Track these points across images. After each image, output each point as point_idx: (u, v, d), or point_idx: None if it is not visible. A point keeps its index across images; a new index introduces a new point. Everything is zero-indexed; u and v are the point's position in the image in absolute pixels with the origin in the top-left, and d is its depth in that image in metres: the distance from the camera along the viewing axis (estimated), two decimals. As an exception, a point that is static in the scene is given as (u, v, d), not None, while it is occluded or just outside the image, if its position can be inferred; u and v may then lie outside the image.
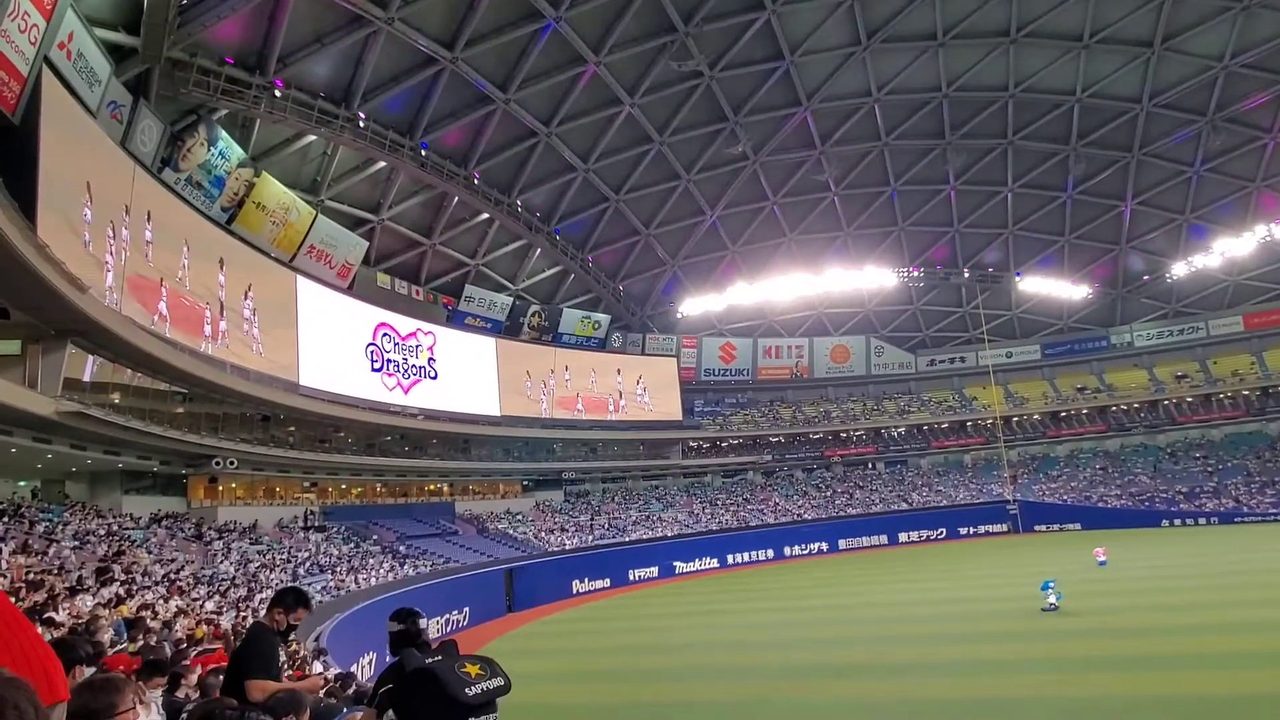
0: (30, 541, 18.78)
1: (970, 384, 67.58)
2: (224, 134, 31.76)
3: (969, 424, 65.89)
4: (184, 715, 4.97)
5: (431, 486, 47.79)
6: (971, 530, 57.26)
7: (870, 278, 62.32)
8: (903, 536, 56.69)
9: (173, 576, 21.13)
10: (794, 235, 60.24)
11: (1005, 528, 56.87)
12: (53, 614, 10.78)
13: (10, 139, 20.27)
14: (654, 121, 46.71)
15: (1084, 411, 64.70)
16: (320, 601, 26.07)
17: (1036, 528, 56.00)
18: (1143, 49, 47.76)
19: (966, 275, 64.47)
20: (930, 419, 66.43)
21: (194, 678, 6.74)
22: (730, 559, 51.46)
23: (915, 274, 63.94)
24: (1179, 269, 60.81)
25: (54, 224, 20.47)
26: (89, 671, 4.66)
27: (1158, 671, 15.87)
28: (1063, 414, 65.17)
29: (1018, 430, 64.79)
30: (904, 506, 59.84)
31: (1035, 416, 65.55)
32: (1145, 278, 63.92)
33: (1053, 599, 23.89)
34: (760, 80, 46.58)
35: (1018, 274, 63.93)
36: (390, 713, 3.78)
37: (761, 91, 47.14)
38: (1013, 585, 28.28)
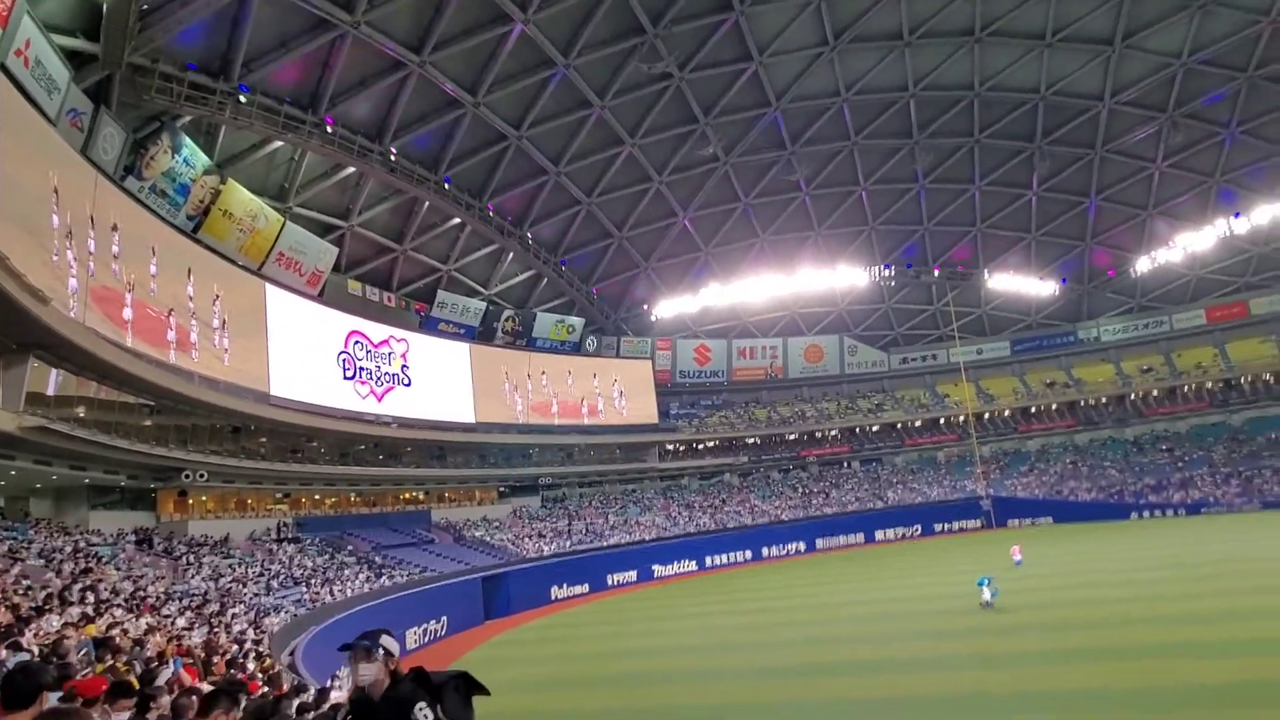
0: (-7, 561, 18.29)
1: (942, 381, 68.25)
2: (188, 141, 31.22)
3: (942, 421, 66.56)
4: None
5: (407, 495, 47.33)
6: (946, 527, 57.84)
7: (842, 277, 62.63)
8: (879, 534, 57.10)
9: (142, 593, 20.68)
10: (766, 236, 60.51)
11: (979, 523, 57.50)
12: (19, 637, 10.46)
13: (-35, 148, 19.78)
14: (625, 124, 46.67)
15: (1053, 406, 65.58)
16: (294, 615, 25.72)
17: (1010, 522, 56.63)
18: (1104, 47, 48.57)
19: (936, 273, 65.12)
20: (904, 417, 66.98)
21: (165, 699, 6.55)
22: (709, 561, 51.52)
23: (887, 272, 64.46)
24: (1143, 264, 61.84)
25: (13, 235, 19.99)
26: (54, 698, 4.51)
27: (1126, 661, 16.13)
28: (1033, 409, 66.01)
29: (989, 426, 65.57)
30: (879, 505, 60.28)
31: (1006, 412, 66.35)
32: (1110, 273, 64.99)
33: (988, 595, 24.38)
34: (730, 81, 46.72)
35: (986, 271, 64.75)
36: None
37: (731, 92, 47.28)
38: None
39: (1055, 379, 66.79)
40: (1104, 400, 64.58)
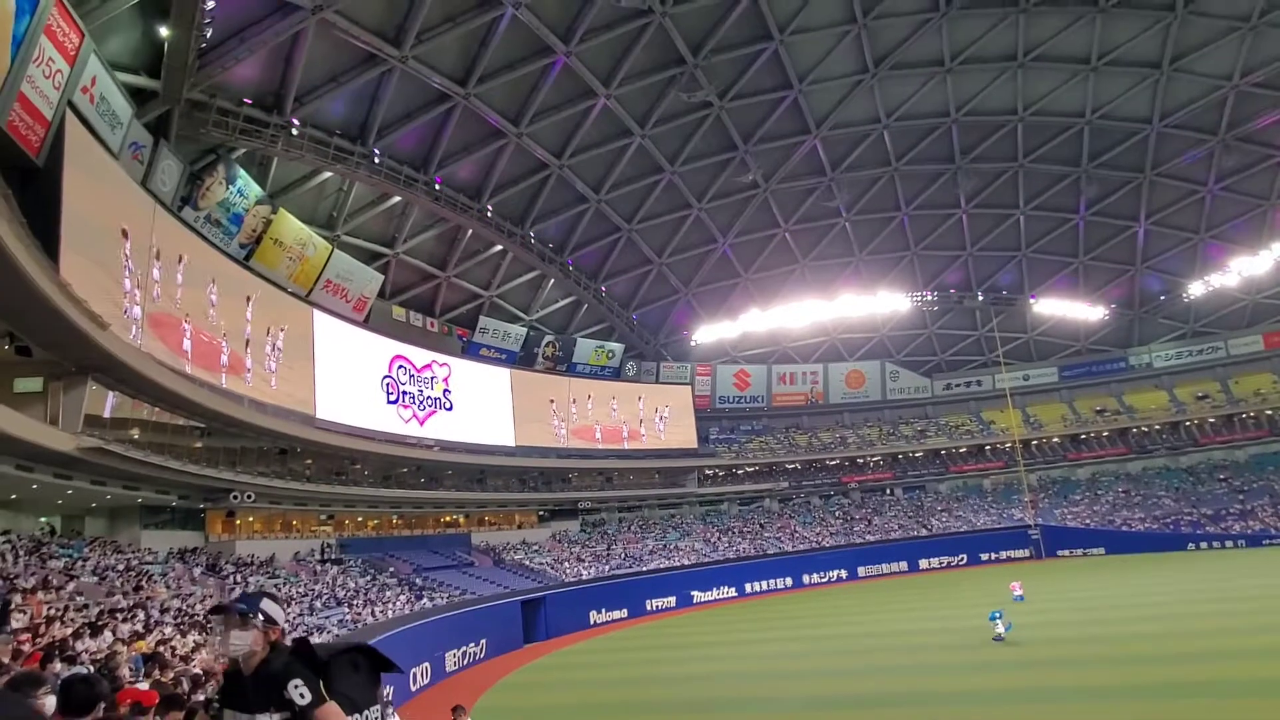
0: (50, 578, 18.92)
1: (987, 407, 67.06)
2: (242, 172, 32.34)
3: (987, 448, 65.32)
4: None
5: (447, 518, 47.77)
6: (993, 556, 56.44)
7: (884, 303, 62.28)
8: (923, 563, 56.02)
9: (190, 611, 21.19)
10: (806, 262, 60.35)
11: (1028, 553, 56.09)
12: (73, 652, 10.85)
13: (34, 181, 20.73)
14: (665, 152, 47.12)
15: (1104, 434, 64.01)
16: (337, 635, 26.06)
17: (1059, 553, 55.17)
18: (1151, 70, 47.84)
19: (981, 298, 64.29)
20: (948, 443, 65.90)
21: (209, 713, 6.76)
22: (748, 587, 50.99)
23: (929, 298, 63.84)
24: (1196, 288, 60.43)
25: (76, 263, 20.85)
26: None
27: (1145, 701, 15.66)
28: (1082, 436, 64.50)
29: (1037, 454, 64.16)
30: (923, 533, 59.17)
31: (1054, 439, 64.90)
32: (1162, 298, 63.53)
33: (1001, 629, 24.03)
34: (769, 109, 46.97)
35: (1032, 296, 63.73)
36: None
37: (771, 120, 47.51)
38: (1017, 614, 27.84)
39: (1106, 405, 65.22)
40: (1157, 428, 62.85)
